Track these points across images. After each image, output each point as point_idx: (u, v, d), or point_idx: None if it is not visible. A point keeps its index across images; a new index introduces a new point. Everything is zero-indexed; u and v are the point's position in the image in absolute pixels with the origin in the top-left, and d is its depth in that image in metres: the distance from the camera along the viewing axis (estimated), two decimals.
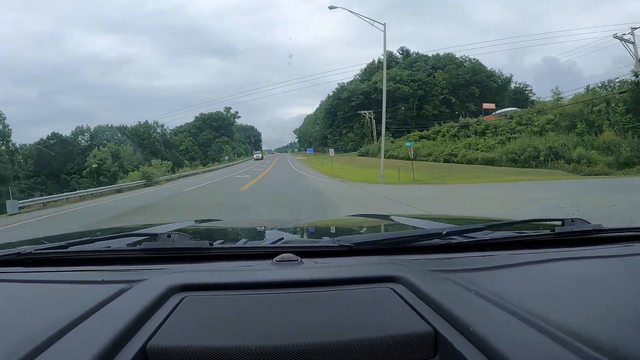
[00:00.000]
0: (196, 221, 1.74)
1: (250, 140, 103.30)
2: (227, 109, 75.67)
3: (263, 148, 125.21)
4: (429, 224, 1.33)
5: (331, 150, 32.10)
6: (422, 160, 29.82)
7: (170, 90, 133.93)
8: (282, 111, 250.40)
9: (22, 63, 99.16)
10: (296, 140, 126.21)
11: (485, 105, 38.05)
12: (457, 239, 0.89)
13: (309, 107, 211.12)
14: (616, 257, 0.81)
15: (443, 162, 27.35)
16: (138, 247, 0.91)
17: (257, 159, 61.35)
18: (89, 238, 1.00)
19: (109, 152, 45.81)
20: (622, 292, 0.64)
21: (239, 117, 78.11)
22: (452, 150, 28.32)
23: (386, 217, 1.80)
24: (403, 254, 0.85)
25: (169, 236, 0.88)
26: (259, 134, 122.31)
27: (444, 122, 41.61)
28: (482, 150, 26.24)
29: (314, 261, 0.78)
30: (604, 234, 0.93)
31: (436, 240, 0.88)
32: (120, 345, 0.49)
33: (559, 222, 0.99)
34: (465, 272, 0.70)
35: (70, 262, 0.87)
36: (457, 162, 26.30)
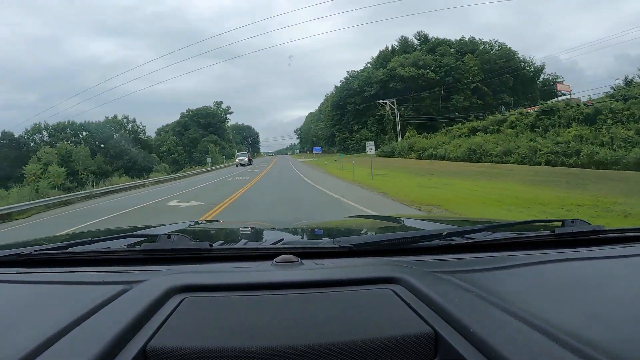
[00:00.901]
0: (195, 222, 1.73)
1: (247, 141, 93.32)
2: (218, 104, 65.41)
3: (261, 150, 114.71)
4: (429, 225, 1.31)
5: (370, 145, 16.00)
6: (503, 163, 19.41)
7: (170, 94, 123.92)
8: (281, 114, 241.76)
9: (21, 67, 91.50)
10: (297, 142, 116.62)
11: (560, 87, 27.54)
12: (457, 240, 0.89)
13: (308, 109, 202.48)
14: (616, 258, 0.81)
15: (545, 164, 17.02)
16: (138, 248, 0.89)
17: (241, 164, 38.10)
18: (89, 239, 0.98)
19: (58, 154, 35.61)
20: (622, 293, 0.64)
21: (232, 112, 67.85)
22: (553, 147, 17.79)
23: (386, 218, 1.78)
24: (403, 255, 0.84)
25: (169, 237, 0.86)
26: (256, 134, 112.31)
27: (474, 114, 31.84)
28: (622, 147, 15.71)
29: (314, 262, 0.77)
30: (604, 235, 0.92)
31: (436, 242, 0.87)
32: (120, 346, 0.49)
33: (559, 223, 0.97)
34: (466, 273, 0.70)
35: (70, 263, 0.86)
36: (574, 166, 15.82)
